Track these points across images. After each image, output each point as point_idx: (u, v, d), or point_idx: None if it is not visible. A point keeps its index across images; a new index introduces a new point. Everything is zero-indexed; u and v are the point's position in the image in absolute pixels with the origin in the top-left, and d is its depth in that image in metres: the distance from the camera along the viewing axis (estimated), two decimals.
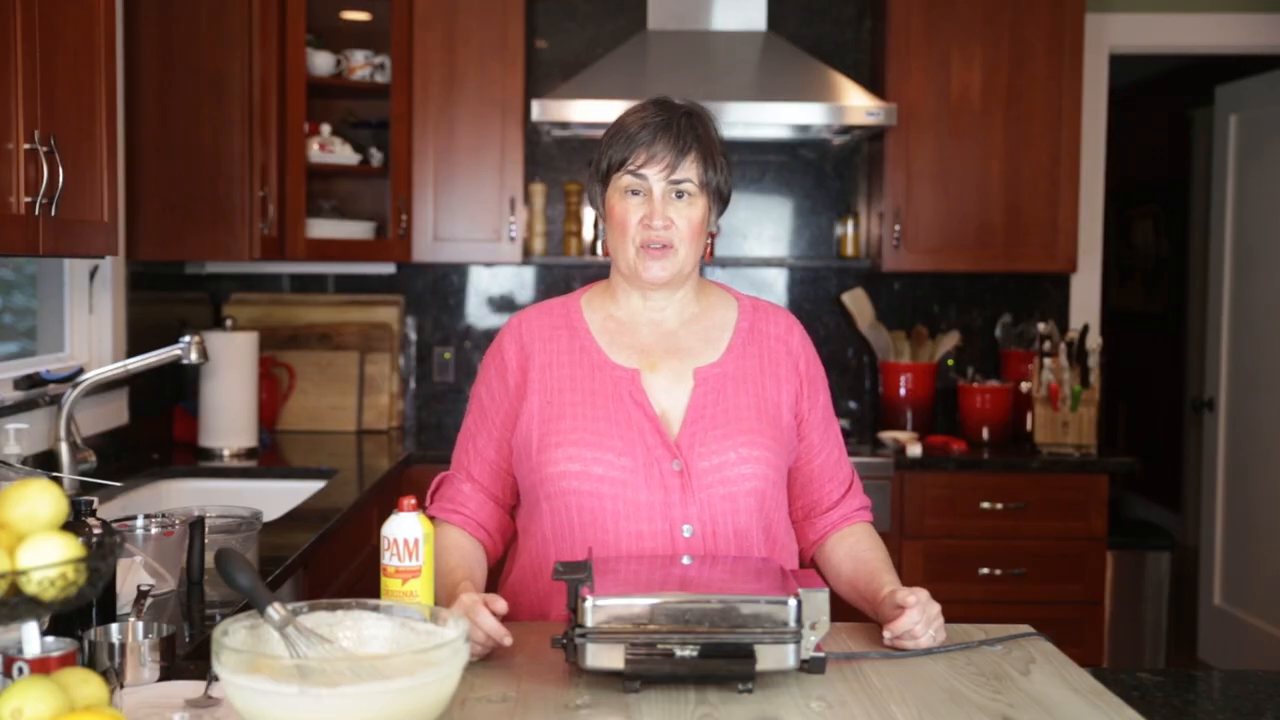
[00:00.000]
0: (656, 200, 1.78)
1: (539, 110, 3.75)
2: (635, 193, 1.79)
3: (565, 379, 1.83)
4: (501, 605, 1.59)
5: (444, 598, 1.73)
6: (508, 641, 1.56)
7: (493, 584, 1.91)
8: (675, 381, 1.83)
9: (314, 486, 3.26)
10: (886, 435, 3.99)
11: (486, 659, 1.60)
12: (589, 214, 4.25)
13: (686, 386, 1.83)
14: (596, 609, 1.48)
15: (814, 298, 4.37)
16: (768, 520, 1.83)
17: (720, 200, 1.84)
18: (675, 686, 1.51)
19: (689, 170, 1.78)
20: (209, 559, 2.08)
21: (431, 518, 1.87)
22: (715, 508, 1.77)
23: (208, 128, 3.42)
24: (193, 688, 1.51)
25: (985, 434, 4.05)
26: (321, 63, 3.90)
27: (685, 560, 1.70)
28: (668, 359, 1.85)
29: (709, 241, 1.89)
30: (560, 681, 1.53)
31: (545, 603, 1.83)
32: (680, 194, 1.78)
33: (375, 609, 1.39)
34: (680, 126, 1.78)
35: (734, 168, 4.28)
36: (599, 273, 4.16)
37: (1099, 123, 4.35)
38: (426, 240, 4.02)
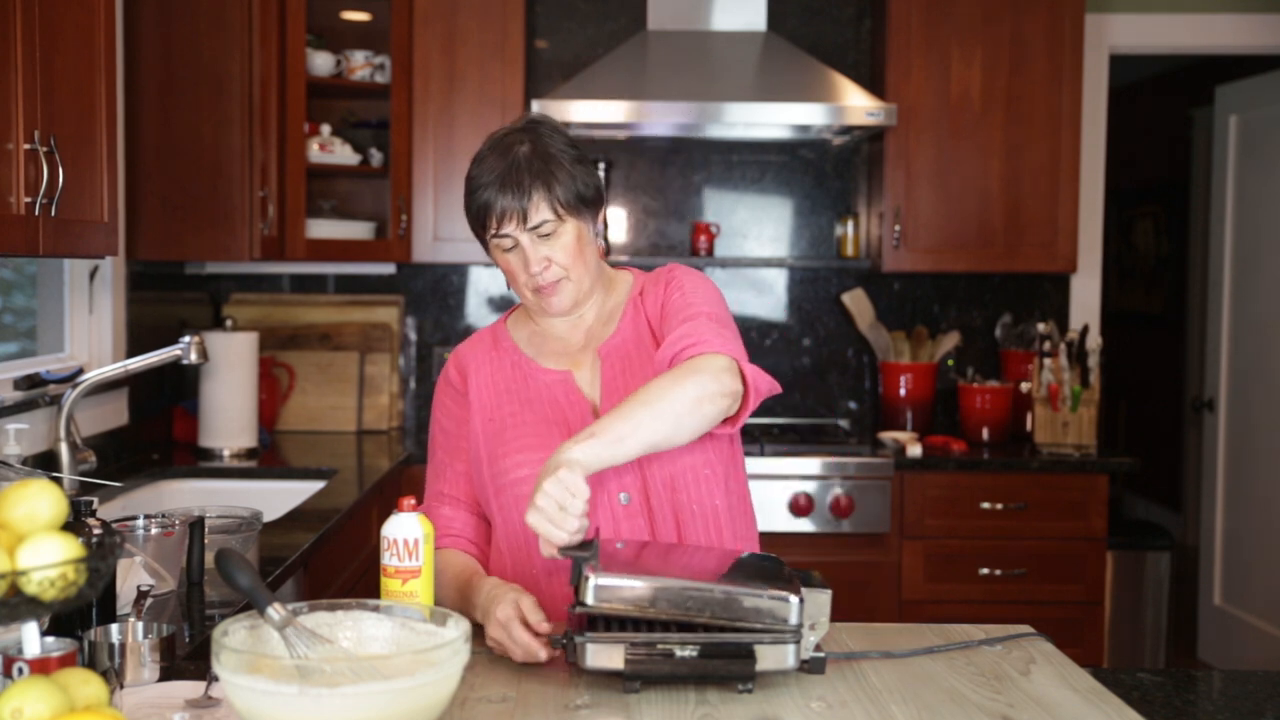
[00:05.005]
0: (526, 249, 1.80)
1: (539, 110, 3.75)
2: (508, 247, 1.81)
3: (502, 394, 1.88)
4: (545, 624, 1.59)
5: (455, 600, 1.76)
6: (543, 656, 1.56)
7: None
8: (592, 369, 1.87)
9: (314, 486, 3.26)
10: (886, 435, 3.99)
11: (487, 656, 1.60)
12: None
13: (598, 367, 1.87)
14: (599, 589, 1.48)
15: (814, 298, 4.37)
16: (711, 468, 1.82)
17: (588, 205, 1.83)
18: (675, 686, 1.51)
19: (540, 211, 1.78)
20: (209, 559, 2.08)
21: None
22: (647, 467, 1.79)
23: (208, 128, 3.42)
24: (193, 688, 1.51)
25: (985, 434, 4.05)
26: (321, 63, 3.90)
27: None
28: (585, 353, 1.89)
29: (602, 243, 1.89)
30: (560, 681, 1.53)
31: None
32: (545, 235, 1.80)
33: (375, 609, 1.39)
34: (516, 171, 1.77)
35: (734, 167, 4.33)
36: None
37: (1099, 123, 4.35)
38: (426, 240, 4.02)
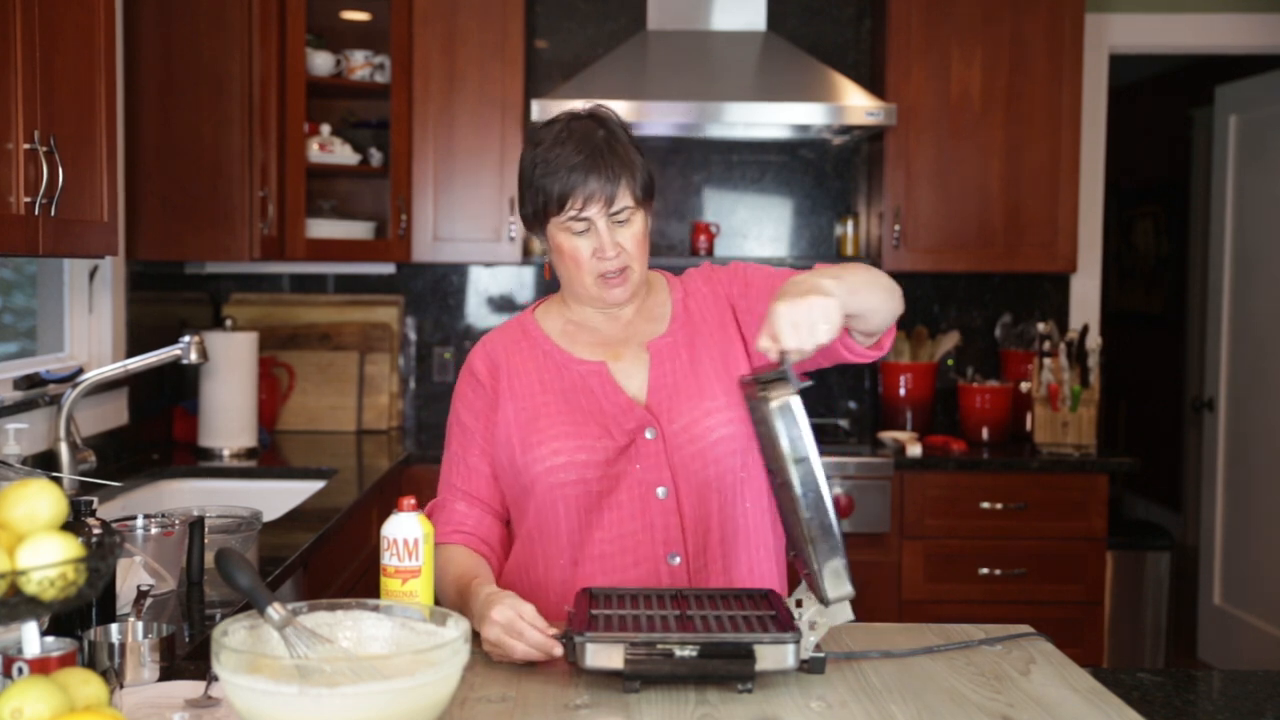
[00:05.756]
0: (603, 233, 1.80)
1: (539, 110, 3.75)
2: (581, 230, 1.81)
3: (535, 384, 1.88)
4: (543, 623, 1.57)
5: (454, 600, 1.76)
6: (558, 652, 1.55)
7: None
8: (635, 363, 1.88)
9: (314, 486, 3.26)
10: (886, 435, 3.99)
11: (486, 659, 1.60)
12: None
13: (644, 362, 1.88)
14: (787, 408, 1.50)
15: None
16: (747, 472, 1.85)
17: (651, 197, 1.87)
18: (675, 686, 1.51)
19: (623, 196, 1.80)
20: (209, 559, 2.08)
21: None
22: (688, 466, 1.81)
23: (208, 128, 3.42)
24: (193, 688, 1.51)
25: (985, 434, 4.05)
26: (321, 63, 3.90)
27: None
28: (627, 346, 1.90)
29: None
30: (560, 681, 1.53)
31: (535, 601, 1.83)
32: (621, 221, 1.81)
33: (375, 609, 1.39)
34: (604, 155, 1.79)
35: (734, 167, 4.33)
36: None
37: (1099, 123, 4.35)
38: (426, 240, 4.02)
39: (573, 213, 1.79)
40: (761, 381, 1.52)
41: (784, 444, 1.49)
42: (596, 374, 1.86)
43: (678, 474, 1.81)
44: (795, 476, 1.49)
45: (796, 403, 1.49)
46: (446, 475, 1.93)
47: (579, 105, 1.92)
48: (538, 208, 1.82)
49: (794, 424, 1.49)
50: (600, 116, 1.86)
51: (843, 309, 1.58)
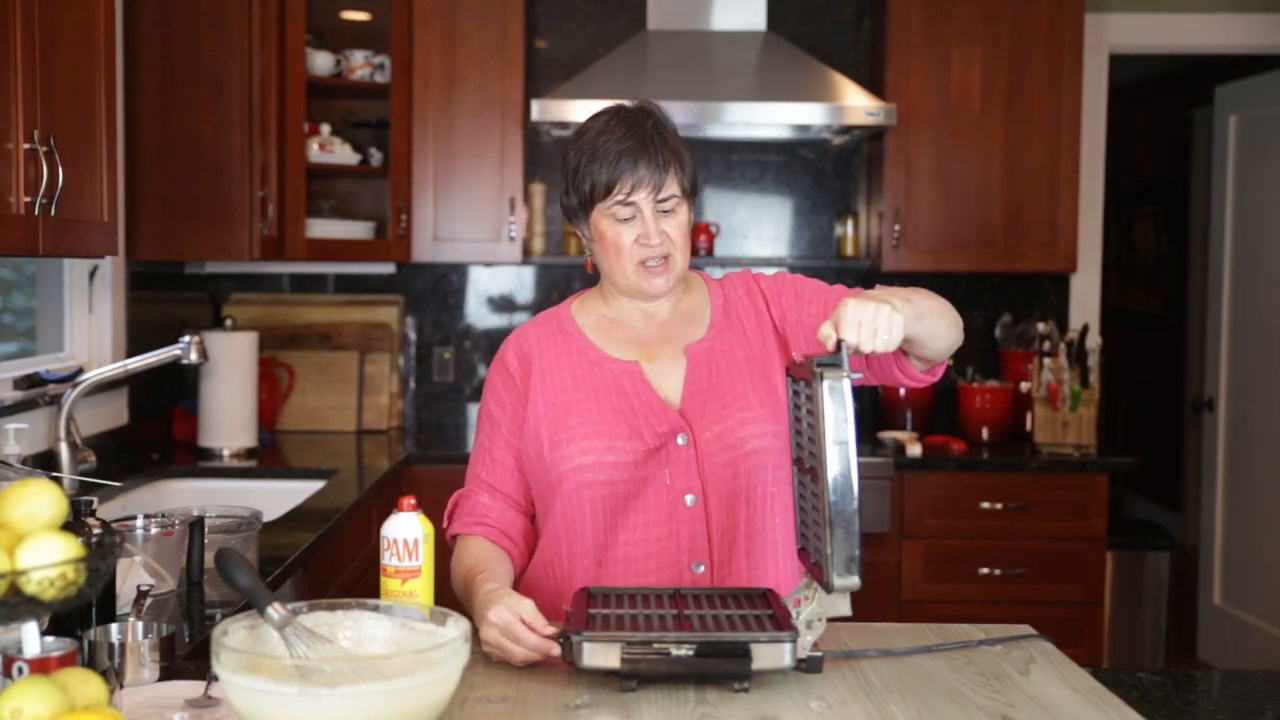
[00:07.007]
0: (648, 220, 1.80)
1: (539, 110, 3.75)
2: (626, 217, 1.81)
3: (567, 379, 1.86)
4: (549, 627, 1.57)
5: (462, 590, 1.76)
6: (556, 652, 1.55)
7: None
8: (671, 364, 1.87)
9: (314, 486, 3.26)
10: (886, 435, 3.99)
11: (486, 659, 1.60)
12: None
13: (681, 365, 1.87)
14: (836, 389, 1.50)
15: None
16: (779, 486, 1.84)
17: (695, 192, 1.88)
18: (675, 686, 1.51)
19: (672, 185, 1.81)
20: (209, 559, 2.08)
21: (453, 537, 1.89)
22: (719, 474, 1.80)
23: (208, 128, 3.42)
24: (193, 688, 1.51)
25: (985, 434, 4.05)
26: (321, 63, 3.90)
27: None
28: (662, 346, 1.89)
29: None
30: (560, 681, 1.54)
31: (559, 599, 1.83)
32: (667, 210, 1.81)
33: (375, 609, 1.39)
34: (654, 142, 1.80)
35: (734, 167, 4.33)
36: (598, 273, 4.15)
37: (1099, 123, 4.35)
38: (426, 240, 4.02)
39: (619, 198, 1.79)
40: (818, 363, 1.52)
41: (828, 424, 1.49)
42: (629, 373, 1.85)
43: (707, 482, 1.80)
44: (831, 459, 1.49)
45: (847, 386, 1.50)
46: (473, 466, 1.93)
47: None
48: (583, 195, 1.82)
49: (842, 406, 1.50)
50: (648, 109, 1.86)
51: (905, 329, 1.58)
